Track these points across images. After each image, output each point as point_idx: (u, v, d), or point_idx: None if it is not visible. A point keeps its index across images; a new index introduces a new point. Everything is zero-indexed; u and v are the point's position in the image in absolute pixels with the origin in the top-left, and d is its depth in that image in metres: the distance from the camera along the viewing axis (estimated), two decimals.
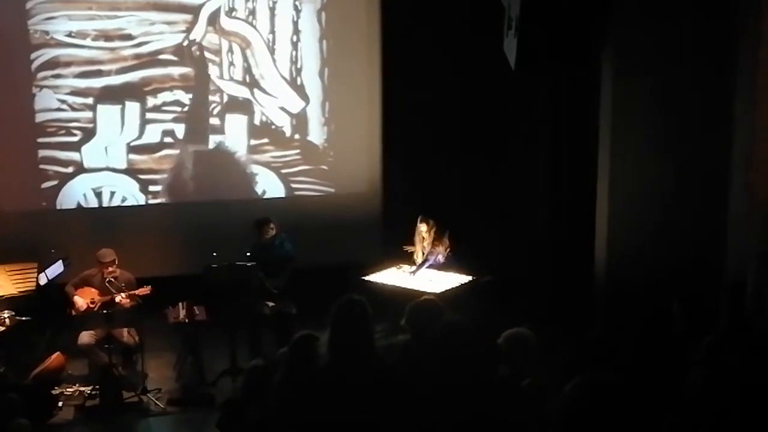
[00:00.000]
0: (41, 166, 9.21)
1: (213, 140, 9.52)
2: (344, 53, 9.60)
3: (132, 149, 9.37)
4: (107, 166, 9.35)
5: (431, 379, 3.67)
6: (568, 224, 8.45)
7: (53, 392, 7.17)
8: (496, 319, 4.62)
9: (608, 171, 6.86)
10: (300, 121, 9.67)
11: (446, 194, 9.09)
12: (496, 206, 9.37)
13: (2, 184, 9.05)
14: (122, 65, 9.19)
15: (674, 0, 6.60)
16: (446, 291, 7.51)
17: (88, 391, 7.20)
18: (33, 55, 9.01)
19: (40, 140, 9.16)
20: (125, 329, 7.55)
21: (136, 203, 9.45)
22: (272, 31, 9.48)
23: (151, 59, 9.24)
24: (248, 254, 7.92)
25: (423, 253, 8.07)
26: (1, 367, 7.26)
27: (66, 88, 9.14)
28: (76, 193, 9.33)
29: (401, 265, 8.24)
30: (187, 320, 7.59)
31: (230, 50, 9.41)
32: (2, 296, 7.87)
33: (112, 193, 9.41)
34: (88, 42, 9.09)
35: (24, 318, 7.58)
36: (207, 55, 9.35)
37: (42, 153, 9.19)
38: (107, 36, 9.12)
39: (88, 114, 9.23)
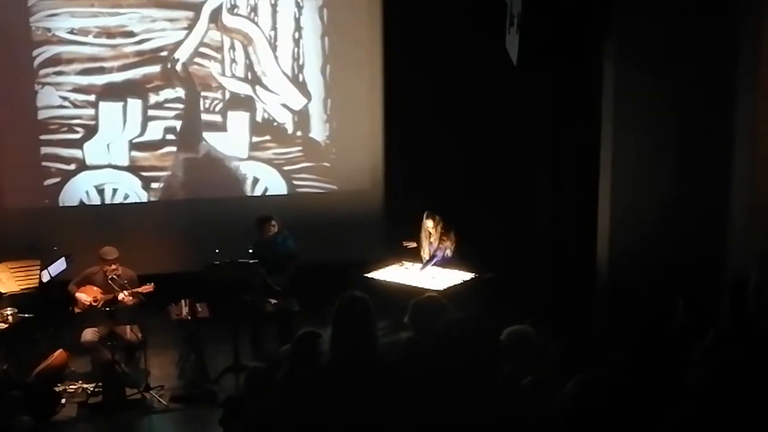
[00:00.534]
0: (44, 164, 9.23)
1: (215, 137, 9.52)
2: (346, 50, 9.59)
3: (134, 146, 9.38)
4: (109, 163, 9.37)
5: (433, 377, 3.67)
6: (570, 222, 8.45)
7: (56, 389, 7.19)
8: (498, 316, 4.62)
9: (610, 169, 6.86)
10: (302, 118, 9.67)
11: (448, 191, 9.09)
12: (498, 204, 9.37)
13: (5, 182, 9.08)
14: (124, 62, 9.19)
15: None
16: (449, 288, 7.53)
17: (91, 389, 7.21)
18: (35, 52, 9.02)
19: (42, 137, 9.17)
20: (128, 326, 7.56)
21: (138, 200, 9.46)
22: (274, 28, 9.48)
23: (153, 56, 9.24)
24: (251, 251, 7.93)
25: (429, 250, 8.10)
26: (4, 365, 7.29)
27: (68, 85, 9.14)
28: (79, 191, 9.34)
29: (404, 262, 8.25)
30: (189, 317, 7.61)
31: (232, 47, 9.41)
32: (5, 293, 7.88)
33: (115, 190, 9.43)
34: (90, 39, 9.10)
35: (27, 315, 7.58)
36: (209, 52, 9.35)
37: (44, 150, 9.21)
38: (109, 33, 9.13)
39: (90, 111, 9.24)
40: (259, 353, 7.75)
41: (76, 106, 9.20)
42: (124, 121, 9.34)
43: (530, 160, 9.39)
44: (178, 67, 9.31)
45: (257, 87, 9.52)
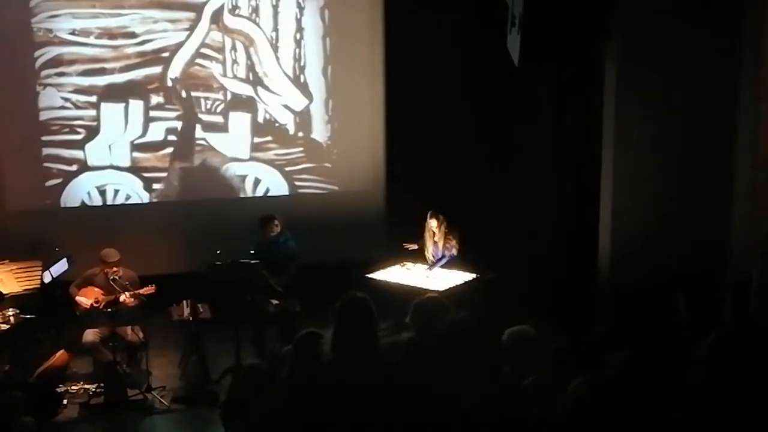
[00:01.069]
0: (45, 164, 9.23)
1: (216, 138, 9.52)
2: (348, 50, 9.60)
3: (136, 147, 9.39)
4: (111, 164, 9.37)
5: (435, 377, 3.67)
6: (572, 222, 8.45)
7: (58, 390, 7.17)
8: (499, 316, 4.61)
9: (612, 168, 6.86)
10: (303, 118, 9.67)
11: (450, 192, 9.09)
12: (500, 204, 9.37)
13: (7, 183, 9.08)
14: (126, 63, 9.20)
15: None
16: (450, 288, 7.53)
17: (93, 389, 7.21)
18: (37, 53, 9.03)
19: (44, 138, 9.18)
20: (129, 327, 7.55)
21: (139, 201, 9.46)
22: (275, 29, 9.48)
23: (155, 57, 9.25)
24: (252, 252, 7.93)
25: (433, 249, 8.11)
26: (6, 365, 7.29)
27: (70, 86, 9.15)
28: (81, 191, 9.35)
29: (405, 263, 8.25)
30: (191, 318, 7.60)
31: (233, 48, 9.41)
32: (7, 294, 7.87)
33: (116, 191, 9.43)
34: (91, 40, 9.10)
35: (28, 316, 7.57)
36: (210, 53, 9.36)
37: (46, 151, 9.21)
38: (111, 34, 9.13)
39: (92, 112, 9.24)
40: (260, 354, 7.75)
41: (77, 107, 9.21)
42: (126, 122, 9.34)
43: (531, 161, 9.39)
44: (180, 68, 9.31)
45: (259, 88, 9.52)
